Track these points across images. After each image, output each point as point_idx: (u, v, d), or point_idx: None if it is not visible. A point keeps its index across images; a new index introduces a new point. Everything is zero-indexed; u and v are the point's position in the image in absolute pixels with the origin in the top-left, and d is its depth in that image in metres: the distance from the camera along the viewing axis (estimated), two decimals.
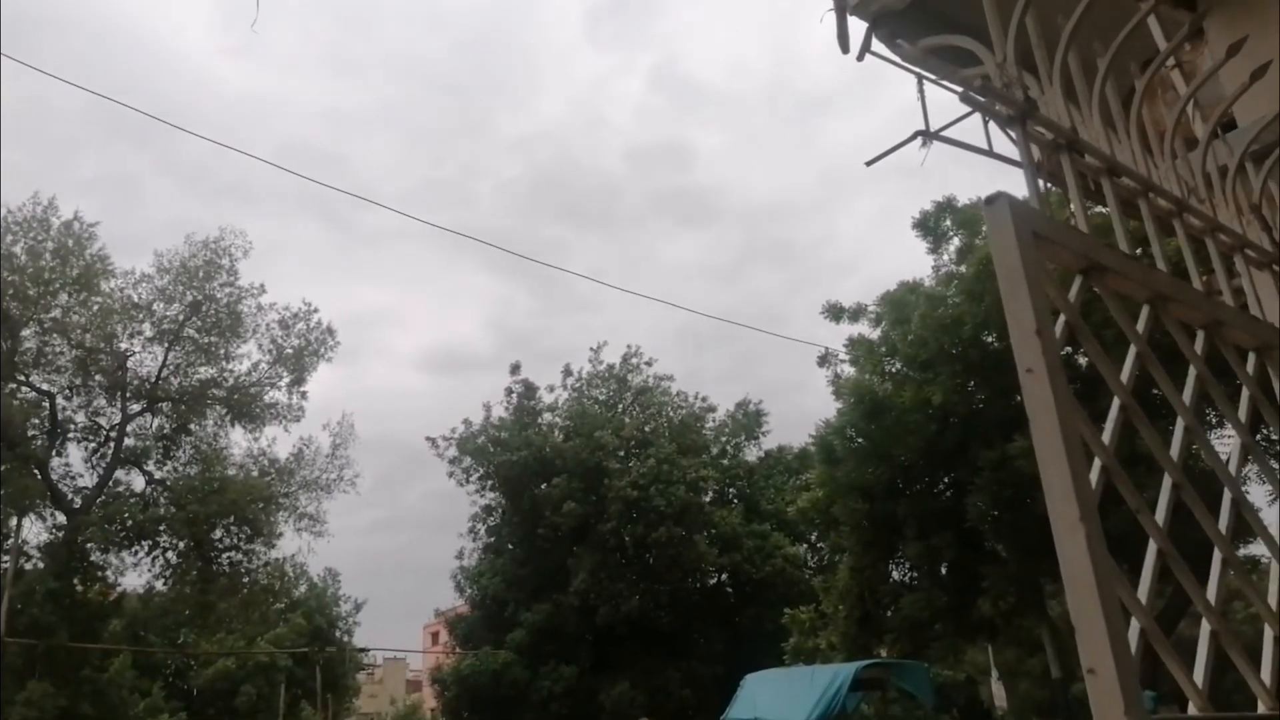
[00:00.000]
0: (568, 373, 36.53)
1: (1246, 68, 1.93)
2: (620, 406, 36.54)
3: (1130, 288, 1.66)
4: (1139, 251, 1.77)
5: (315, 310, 26.64)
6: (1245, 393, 1.86)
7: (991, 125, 7.07)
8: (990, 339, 18.17)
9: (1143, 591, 1.45)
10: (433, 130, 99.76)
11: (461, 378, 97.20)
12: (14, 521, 23.54)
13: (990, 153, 6.62)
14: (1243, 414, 1.84)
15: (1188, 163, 2.04)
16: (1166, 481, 1.56)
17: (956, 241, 19.32)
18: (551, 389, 36.17)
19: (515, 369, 35.80)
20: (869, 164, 7.87)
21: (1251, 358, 1.92)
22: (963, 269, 18.17)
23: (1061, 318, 1.46)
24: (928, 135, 6.81)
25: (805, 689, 13.47)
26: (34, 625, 22.46)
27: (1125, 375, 1.56)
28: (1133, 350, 1.61)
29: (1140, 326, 1.65)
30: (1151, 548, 1.53)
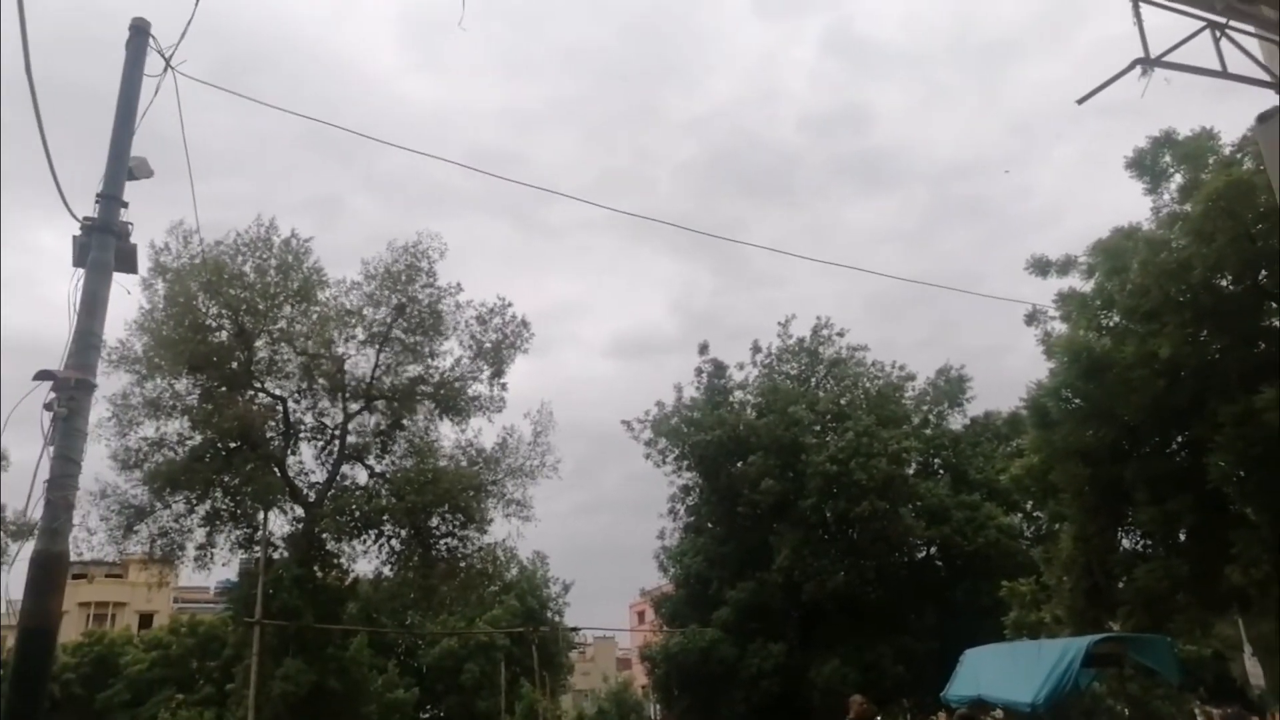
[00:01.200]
0: (756, 349, 36.28)
1: None
2: (813, 380, 35.95)
3: None
4: None
5: (510, 305, 27.70)
6: None
7: (1225, 46, 6.20)
8: (1224, 282, 16.44)
9: None
10: (607, 120, 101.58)
11: (650, 361, 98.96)
12: (261, 515, 25.96)
13: (1226, 74, 5.86)
14: None
15: None
16: None
17: (1179, 179, 17.53)
18: (741, 367, 36.06)
19: (704, 349, 35.92)
20: (1081, 101, 7.20)
21: None
22: (1187, 208, 16.47)
23: None
24: (1148, 63, 6.07)
25: (1032, 665, 12.64)
26: (284, 609, 24.70)
27: None
28: None
29: None
30: None
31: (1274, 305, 16.92)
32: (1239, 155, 16.85)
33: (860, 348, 36.43)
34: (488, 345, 27.39)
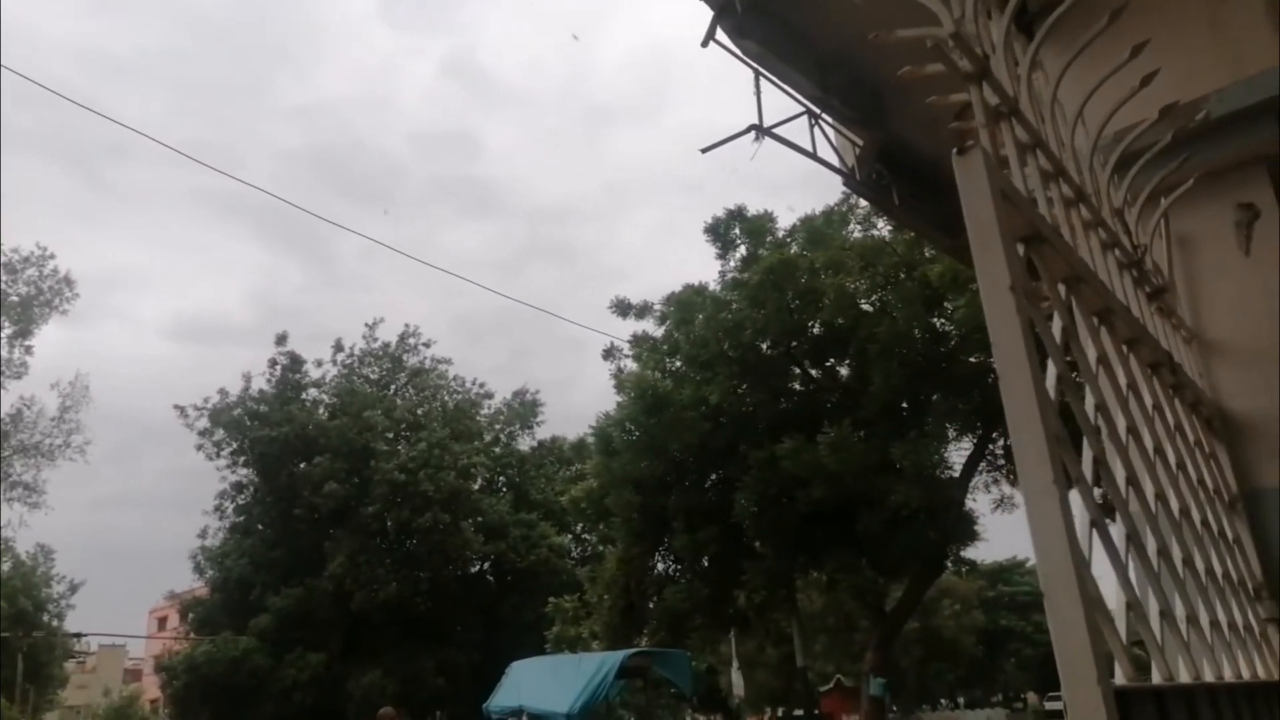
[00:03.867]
0: (339, 348, 34.81)
1: (1142, 71, 2.03)
2: (393, 387, 35.26)
3: (1057, 264, 1.68)
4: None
5: (51, 256, 23.77)
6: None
7: (816, 132, 7.22)
8: (766, 344, 19.06)
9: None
10: (205, 86, 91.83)
11: (218, 350, 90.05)
12: None
13: (814, 155, 6.84)
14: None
15: (1075, 156, 2.11)
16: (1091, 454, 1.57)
17: (743, 250, 20.07)
18: (320, 364, 34.31)
19: (282, 339, 33.66)
20: (704, 150, 7.94)
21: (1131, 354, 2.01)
22: (747, 276, 18.90)
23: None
24: (761, 130, 6.97)
25: (572, 676, 13.47)
26: None
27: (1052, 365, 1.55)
28: (1058, 323, 1.61)
29: (1059, 305, 1.66)
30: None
31: (798, 371, 19.96)
32: (789, 240, 19.77)
33: (444, 360, 36.59)
34: (14, 298, 23.18)
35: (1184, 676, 1.60)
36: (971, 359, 17.60)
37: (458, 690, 30.01)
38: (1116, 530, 1.53)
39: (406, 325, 37.06)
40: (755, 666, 52.25)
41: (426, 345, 36.23)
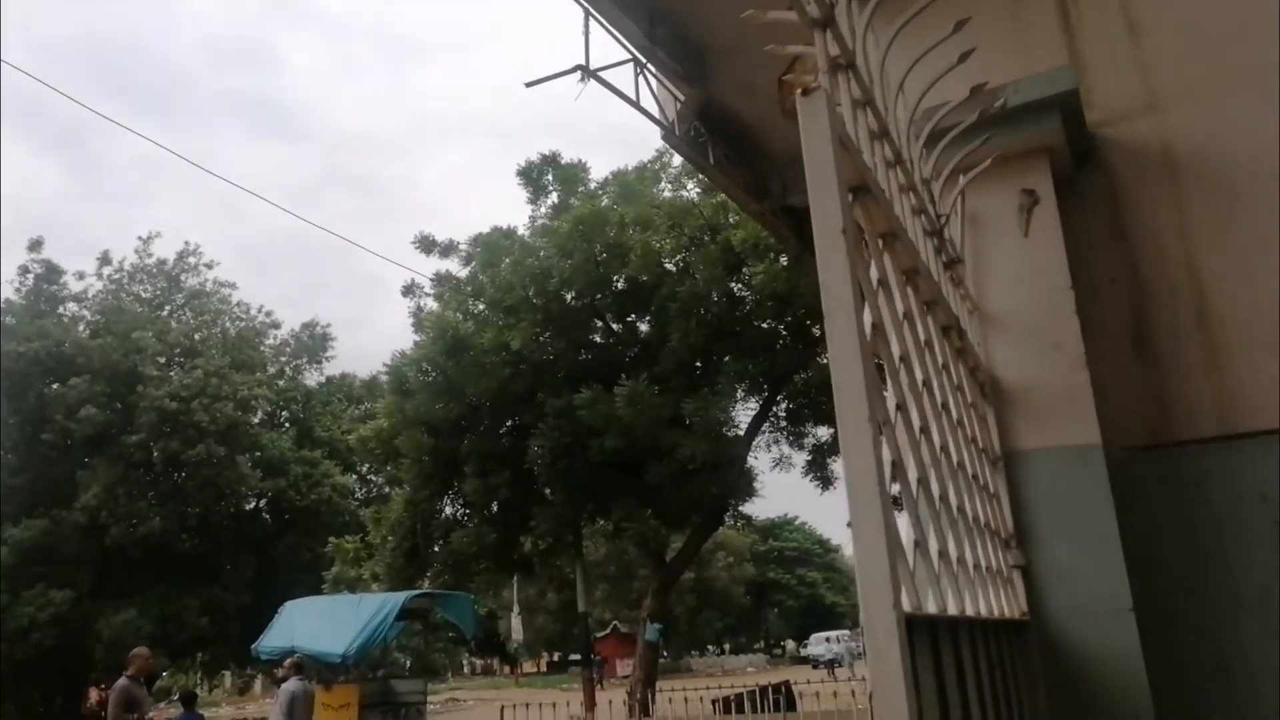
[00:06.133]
0: (106, 261, 31.79)
1: (961, 48, 2.15)
2: (168, 309, 32.66)
3: (879, 218, 1.76)
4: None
5: None
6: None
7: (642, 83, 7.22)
8: (570, 295, 19.10)
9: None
10: None
11: None
12: None
13: (637, 104, 6.84)
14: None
15: (896, 122, 2.21)
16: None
17: (555, 197, 19.94)
18: (81, 277, 31.20)
19: (36, 245, 30.28)
20: (529, 85, 7.76)
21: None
22: (557, 224, 18.81)
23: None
24: (587, 71, 6.89)
25: (350, 617, 13.14)
26: None
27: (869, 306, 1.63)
28: (875, 274, 1.69)
29: (876, 259, 1.74)
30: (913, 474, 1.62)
31: (600, 324, 20.17)
32: (600, 192, 19.83)
33: (228, 285, 34.24)
34: None
35: (953, 609, 1.74)
36: (764, 325, 18.42)
37: (225, 632, 28.60)
38: (911, 475, 1.64)
39: (186, 243, 34.43)
40: (536, 612, 53.24)
41: (209, 266, 33.76)
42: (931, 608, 1.60)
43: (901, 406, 1.66)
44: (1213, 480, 2.81)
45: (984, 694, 1.92)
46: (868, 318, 1.50)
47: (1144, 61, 3.22)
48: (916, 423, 1.76)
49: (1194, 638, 2.72)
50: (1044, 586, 2.66)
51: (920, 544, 1.60)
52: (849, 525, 1.27)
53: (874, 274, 1.66)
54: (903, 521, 1.56)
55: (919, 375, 1.88)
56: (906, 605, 1.35)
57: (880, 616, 1.20)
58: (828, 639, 51.70)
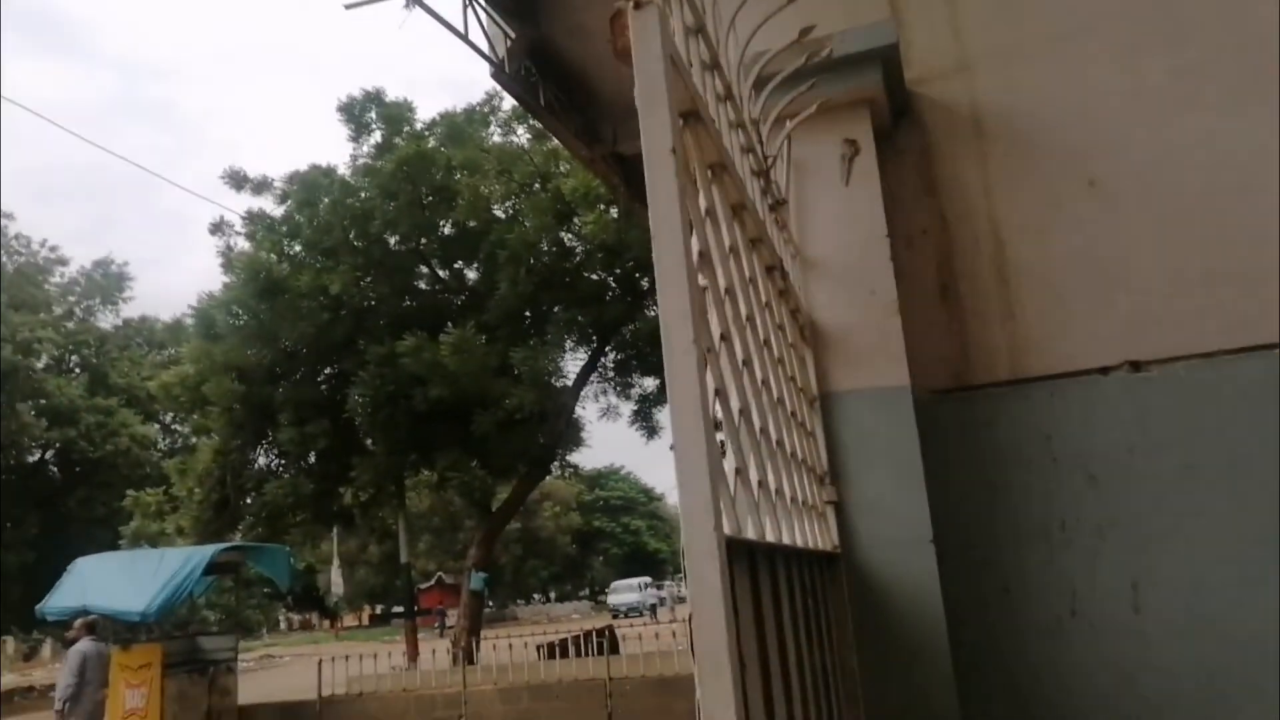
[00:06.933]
0: None
1: None
2: None
3: (708, 147, 1.74)
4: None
5: None
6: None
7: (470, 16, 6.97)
8: (394, 238, 18.46)
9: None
10: None
11: None
12: None
13: (465, 37, 6.60)
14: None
15: (727, 59, 2.21)
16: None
17: (378, 136, 19.11)
18: None
19: None
20: (349, 7, 7.31)
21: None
22: (380, 164, 18.06)
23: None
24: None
25: (150, 573, 12.32)
26: None
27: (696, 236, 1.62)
28: (702, 203, 1.68)
29: (704, 191, 1.73)
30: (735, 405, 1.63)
31: (425, 270, 19.62)
32: (427, 134, 19.14)
33: (5, 214, 30.98)
34: None
35: (770, 538, 1.79)
36: (594, 275, 18.44)
37: (3, 593, 26.35)
38: (733, 404, 1.65)
39: None
40: (357, 565, 51.97)
41: None
42: (751, 535, 1.63)
43: (726, 337, 1.67)
44: (1003, 421, 3.01)
45: (798, 621, 2.00)
46: (695, 245, 1.49)
47: (957, 24, 3.36)
48: (740, 355, 1.77)
49: (981, 564, 2.94)
50: (854, 520, 2.79)
51: (741, 472, 1.62)
52: (671, 448, 1.26)
53: (702, 203, 1.65)
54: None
55: (743, 310, 1.90)
56: (727, 529, 1.36)
57: (701, 539, 1.20)
58: (634, 586, 50.61)
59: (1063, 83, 3.10)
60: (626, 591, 49.79)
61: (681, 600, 51.57)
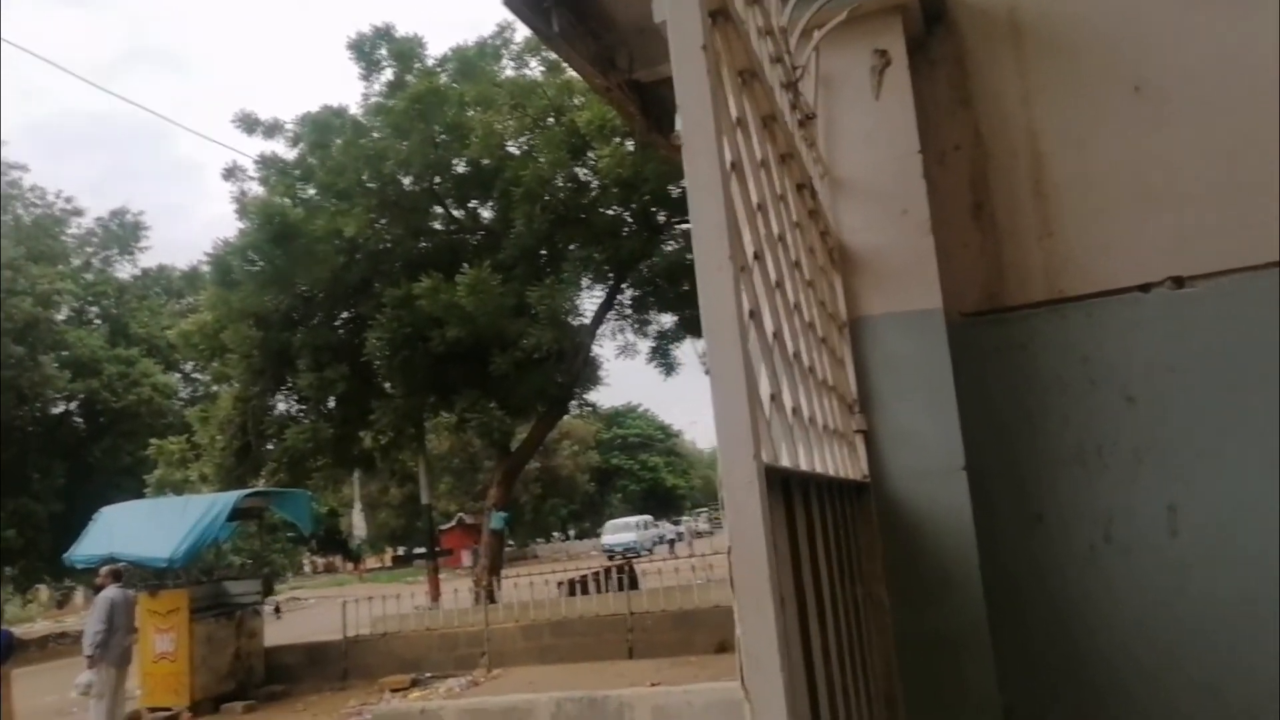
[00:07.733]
0: None
1: None
2: None
3: (739, 51, 1.61)
4: None
5: None
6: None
7: None
8: (408, 178, 18.24)
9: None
10: None
11: None
12: None
13: None
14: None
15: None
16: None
17: (390, 74, 18.79)
18: None
19: None
20: None
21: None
22: (392, 103, 17.78)
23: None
24: None
25: (176, 520, 12.47)
26: None
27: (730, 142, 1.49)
28: (733, 110, 1.55)
29: (734, 96, 1.60)
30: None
31: (440, 210, 19.44)
32: (439, 69, 18.79)
33: (19, 167, 30.90)
34: None
35: (804, 465, 1.70)
36: (609, 211, 18.20)
37: (36, 544, 26.85)
38: (767, 326, 1.55)
39: None
40: (378, 508, 52.68)
41: None
42: (786, 463, 1.55)
43: (759, 256, 1.56)
44: (1039, 343, 2.90)
45: (830, 552, 1.92)
46: (728, 152, 1.37)
47: None
48: (773, 276, 1.67)
49: (1015, 491, 2.85)
50: (884, 449, 2.70)
51: (775, 398, 1.53)
52: (706, 373, 1.16)
53: (732, 110, 1.52)
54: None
55: (775, 227, 1.79)
56: (765, 457, 1.27)
57: (740, 468, 1.11)
58: (630, 525, 47.52)
59: None
60: (622, 531, 46.44)
61: (699, 535, 51.90)
